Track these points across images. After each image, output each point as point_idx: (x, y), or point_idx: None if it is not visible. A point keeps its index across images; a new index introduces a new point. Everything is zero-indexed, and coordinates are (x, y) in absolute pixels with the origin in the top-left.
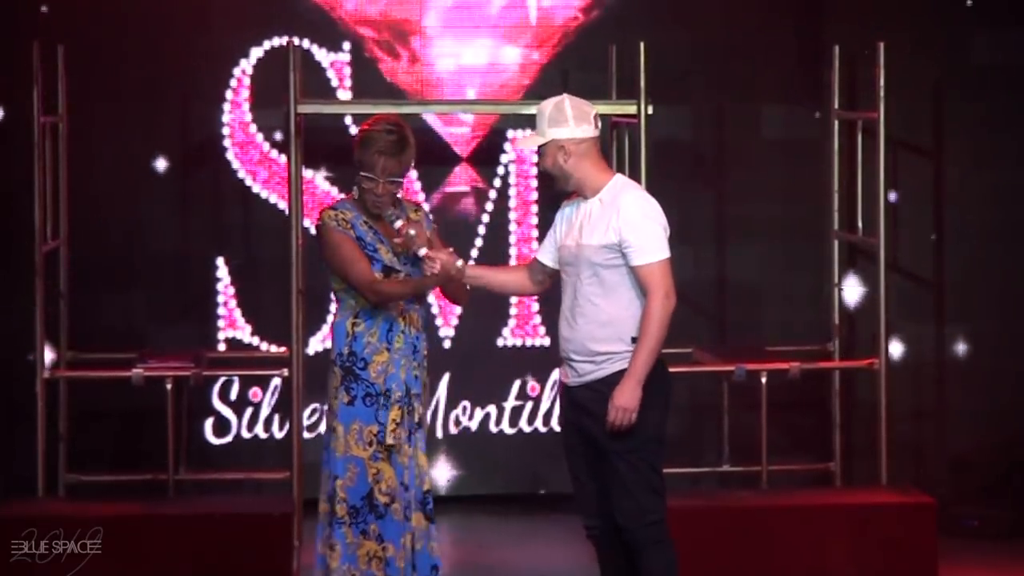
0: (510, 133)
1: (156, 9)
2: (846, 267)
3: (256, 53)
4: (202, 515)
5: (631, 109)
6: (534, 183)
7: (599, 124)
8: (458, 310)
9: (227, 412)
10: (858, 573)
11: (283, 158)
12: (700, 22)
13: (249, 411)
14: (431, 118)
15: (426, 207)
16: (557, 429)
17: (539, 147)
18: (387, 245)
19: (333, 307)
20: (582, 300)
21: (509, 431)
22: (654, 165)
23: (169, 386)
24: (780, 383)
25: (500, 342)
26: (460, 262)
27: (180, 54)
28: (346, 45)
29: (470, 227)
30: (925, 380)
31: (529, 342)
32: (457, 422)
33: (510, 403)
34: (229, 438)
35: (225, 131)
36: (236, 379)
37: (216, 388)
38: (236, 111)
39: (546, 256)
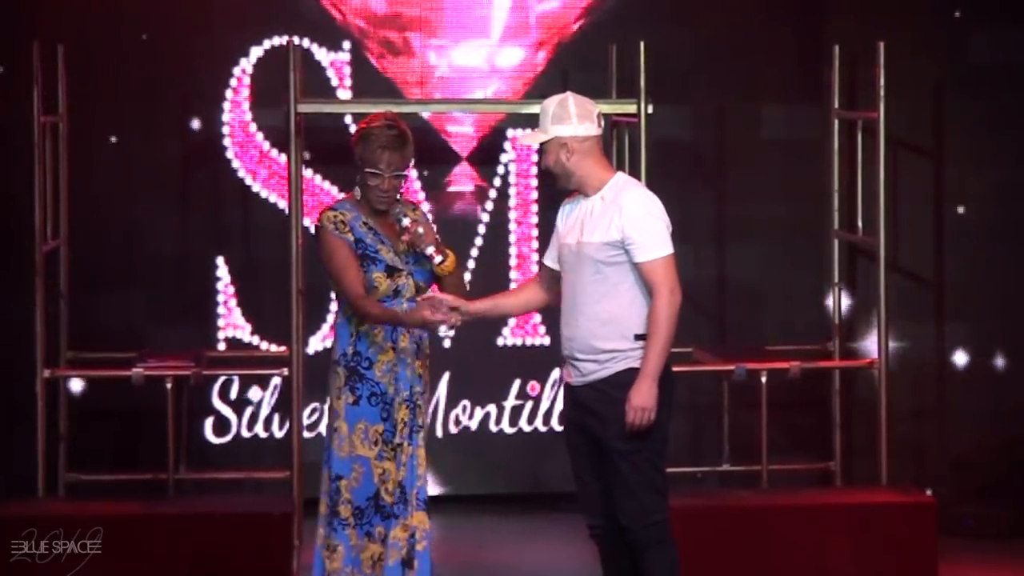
0: (510, 132)
1: (156, 9)
2: (846, 267)
3: (256, 52)
4: (202, 515)
5: (631, 108)
6: (534, 182)
7: (602, 123)
8: None
9: (227, 411)
10: (858, 573)
11: (283, 158)
12: (700, 22)
13: (249, 411)
14: (431, 117)
15: (426, 207)
16: (557, 428)
17: (541, 144)
18: (388, 244)
19: (334, 307)
20: (584, 298)
21: (509, 430)
22: (654, 165)
23: (169, 385)
24: (780, 383)
25: (500, 341)
26: (466, 306)
27: (180, 54)
28: (346, 44)
29: (470, 227)
30: (925, 380)
31: (529, 341)
32: (457, 421)
33: (510, 403)
34: (229, 438)
35: (225, 131)
36: (236, 378)
37: (216, 387)
38: (236, 111)
39: (552, 260)
